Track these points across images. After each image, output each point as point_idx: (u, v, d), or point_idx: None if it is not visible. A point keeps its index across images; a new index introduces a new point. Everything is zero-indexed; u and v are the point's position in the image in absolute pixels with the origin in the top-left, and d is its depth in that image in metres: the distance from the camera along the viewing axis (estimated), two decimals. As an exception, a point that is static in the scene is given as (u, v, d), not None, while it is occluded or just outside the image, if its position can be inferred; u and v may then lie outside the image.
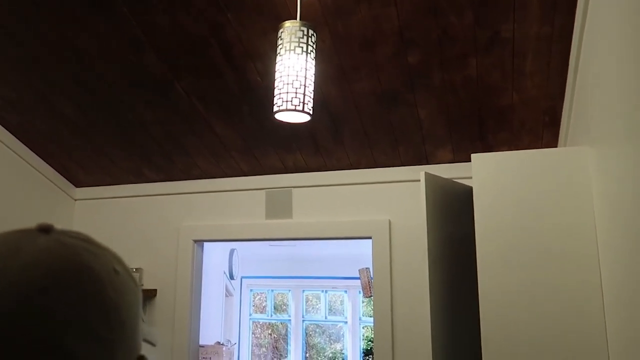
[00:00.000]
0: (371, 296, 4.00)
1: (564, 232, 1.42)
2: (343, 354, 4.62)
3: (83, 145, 2.53)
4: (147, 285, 2.74)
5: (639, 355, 1.02)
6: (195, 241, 2.72)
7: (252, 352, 4.85)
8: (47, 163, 2.76)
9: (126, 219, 2.89)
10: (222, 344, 4.01)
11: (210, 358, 3.89)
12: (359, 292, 4.28)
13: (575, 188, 1.43)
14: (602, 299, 1.34)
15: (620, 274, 1.15)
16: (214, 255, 4.00)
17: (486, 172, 1.51)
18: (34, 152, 2.62)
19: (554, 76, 1.70)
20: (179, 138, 2.34)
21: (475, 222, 1.47)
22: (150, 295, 2.71)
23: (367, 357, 4.43)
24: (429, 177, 1.61)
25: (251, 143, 2.30)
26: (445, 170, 2.13)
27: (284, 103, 1.38)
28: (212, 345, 3.93)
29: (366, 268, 4.01)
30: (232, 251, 4.53)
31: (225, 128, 2.21)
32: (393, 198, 2.34)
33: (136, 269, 2.73)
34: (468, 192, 1.57)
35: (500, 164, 1.50)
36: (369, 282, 3.98)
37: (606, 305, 1.32)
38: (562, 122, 1.92)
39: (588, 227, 1.39)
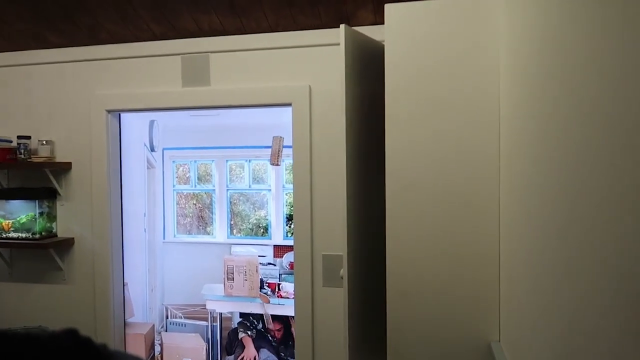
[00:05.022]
0: (277, 164, 4.12)
1: (470, 83, 1.48)
2: (267, 219, 4.86)
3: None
4: (61, 157, 2.64)
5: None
6: (109, 111, 2.60)
7: (177, 222, 4.97)
8: None
9: (32, 89, 2.67)
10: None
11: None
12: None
13: (484, 38, 1.47)
14: (498, 148, 1.48)
15: (516, 124, 1.27)
16: (133, 127, 3.87)
17: (399, 24, 1.50)
18: None
19: None
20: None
21: (385, 74, 1.50)
22: (65, 168, 2.62)
23: (290, 222, 4.70)
24: (348, 31, 1.60)
25: (159, 1, 2.12)
26: (367, 33, 2.11)
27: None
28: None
29: (280, 136, 4.06)
30: (151, 122, 4.40)
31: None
32: (313, 63, 2.32)
33: (47, 141, 2.60)
34: (384, 50, 1.58)
35: (413, 15, 1.49)
36: (279, 150, 4.05)
37: (501, 147, 1.47)
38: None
39: (493, 80, 1.47)
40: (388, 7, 1.50)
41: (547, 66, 0.90)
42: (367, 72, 1.71)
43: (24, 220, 2.63)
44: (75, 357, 0.33)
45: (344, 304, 1.62)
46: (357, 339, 1.69)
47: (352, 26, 2.18)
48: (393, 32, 1.49)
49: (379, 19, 2.15)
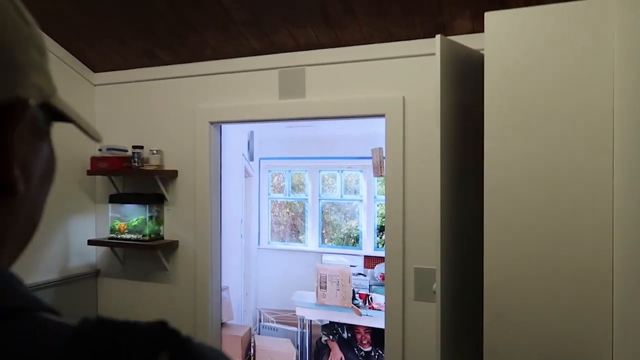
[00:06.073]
0: (381, 175, 4.09)
1: (578, 92, 1.38)
2: (358, 230, 4.86)
3: (93, 25, 2.49)
4: (168, 166, 2.85)
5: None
6: (212, 123, 2.77)
7: (271, 230, 5.13)
8: (62, 47, 2.74)
9: (144, 103, 2.92)
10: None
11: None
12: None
13: (594, 44, 1.36)
14: (612, 161, 1.36)
15: (633, 141, 1.16)
16: (233, 137, 4.07)
17: (500, 32, 1.44)
18: (49, 36, 2.60)
19: None
20: (185, 12, 2.26)
21: (484, 84, 1.44)
22: (171, 175, 2.82)
23: (381, 233, 4.66)
24: (444, 41, 1.56)
25: (258, 16, 2.22)
26: (464, 41, 2.05)
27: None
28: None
29: (379, 148, 4.06)
30: (251, 133, 4.61)
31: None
32: (407, 74, 2.29)
33: (157, 150, 2.82)
34: (482, 59, 1.52)
35: (515, 22, 1.42)
36: (380, 161, 4.05)
37: (615, 160, 1.35)
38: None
39: (606, 89, 1.36)
40: (488, 15, 1.44)
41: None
42: (463, 82, 1.66)
43: (136, 222, 2.87)
44: (164, 344, 0.40)
45: (436, 320, 1.57)
46: (450, 357, 1.63)
47: (447, 35, 2.13)
48: (494, 40, 1.44)
49: (477, 27, 2.08)
